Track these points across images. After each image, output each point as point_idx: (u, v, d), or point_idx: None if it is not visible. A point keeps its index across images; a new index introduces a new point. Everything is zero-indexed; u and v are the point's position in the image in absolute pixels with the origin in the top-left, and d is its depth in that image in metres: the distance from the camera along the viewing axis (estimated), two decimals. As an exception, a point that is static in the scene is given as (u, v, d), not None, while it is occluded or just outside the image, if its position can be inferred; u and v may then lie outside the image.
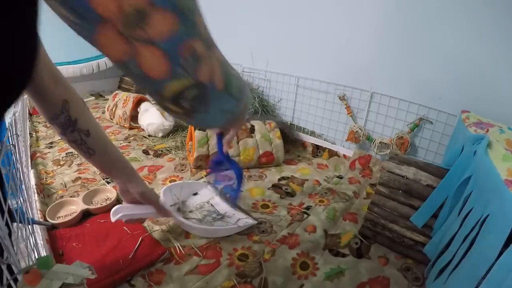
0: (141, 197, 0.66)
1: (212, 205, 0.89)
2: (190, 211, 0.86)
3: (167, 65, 0.26)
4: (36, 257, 0.46)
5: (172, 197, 0.87)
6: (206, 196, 0.92)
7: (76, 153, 1.22)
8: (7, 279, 0.26)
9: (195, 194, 0.93)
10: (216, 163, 0.70)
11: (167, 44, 0.25)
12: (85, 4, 0.22)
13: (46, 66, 0.48)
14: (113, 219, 0.67)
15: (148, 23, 0.23)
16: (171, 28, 0.24)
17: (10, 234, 0.34)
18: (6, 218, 0.32)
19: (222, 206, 0.88)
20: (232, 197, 0.69)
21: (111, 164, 0.61)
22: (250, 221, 0.81)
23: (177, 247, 0.74)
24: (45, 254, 0.63)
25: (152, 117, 1.37)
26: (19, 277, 0.28)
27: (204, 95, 0.30)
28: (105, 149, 0.58)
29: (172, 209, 0.84)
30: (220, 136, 0.62)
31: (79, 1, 0.22)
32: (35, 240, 0.61)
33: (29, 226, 0.55)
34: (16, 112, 0.76)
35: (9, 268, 0.28)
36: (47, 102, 0.50)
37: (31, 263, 0.37)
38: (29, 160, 1.13)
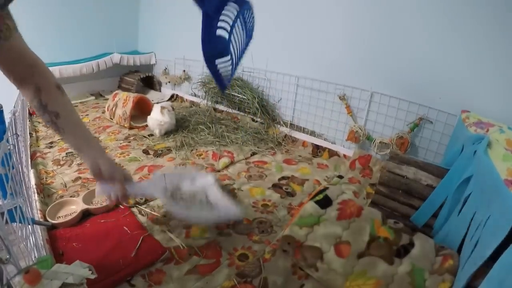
0: (107, 174, 0.69)
1: (206, 195, 0.88)
2: (181, 198, 0.85)
3: None
4: (36, 257, 0.46)
5: (166, 184, 0.86)
6: (202, 185, 0.91)
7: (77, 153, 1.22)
8: (7, 279, 0.26)
9: (192, 181, 0.92)
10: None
11: None
12: None
13: (21, 58, 0.58)
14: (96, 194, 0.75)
15: None
16: None
17: None
18: (6, 218, 0.32)
19: (216, 197, 0.88)
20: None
21: (81, 141, 0.68)
22: (238, 215, 0.80)
23: (180, 245, 0.74)
24: (45, 254, 0.63)
25: (153, 113, 1.40)
26: (19, 277, 0.28)
27: None
28: (74, 128, 0.66)
29: (165, 194, 0.83)
30: None
31: None
32: (35, 240, 0.61)
33: (29, 226, 0.55)
34: (16, 112, 0.76)
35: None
36: (26, 89, 0.61)
37: (31, 263, 0.37)
38: (29, 160, 1.13)
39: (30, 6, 1.68)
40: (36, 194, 0.87)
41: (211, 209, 0.83)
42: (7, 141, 0.41)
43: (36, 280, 0.26)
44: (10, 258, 0.26)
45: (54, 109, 0.62)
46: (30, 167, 1.06)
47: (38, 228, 0.73)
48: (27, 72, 0.60)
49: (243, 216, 0.82)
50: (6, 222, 0.32)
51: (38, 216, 0.79)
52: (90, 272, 0.28)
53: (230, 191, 0.93)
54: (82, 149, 0.68)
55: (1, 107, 0.53)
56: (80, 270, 0.28)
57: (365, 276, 0.60)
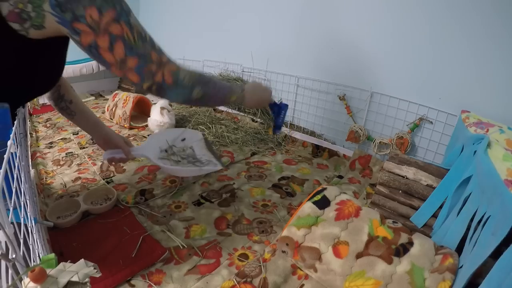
0: (110, 142, 0.86)
1: (193, 150, 1.01)
2: (173, 153, 0.97)
3: (138, 78, 0.58)
4: (40, 256, 0.46)
5: (161, 142, 0.98)
6: (191, 142, 1.03)
7: (76, 153, 1.22)
8: (12, 278, 0.26)
9: (183, 139, 1.03)
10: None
11: (137, 69, 0.57)
12: (101, 58, 0.55)
13: None
14: (104, 159, 0.87)
15: (126, 63, 0.56)
16: (136, 63, 0.57)
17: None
18: (11, 217, 0.32)
19: (201, 152, 1.01)
20: (278, 124, 1.05)
21: (89, 122, 0.87)
22: (217, 167, 0.93)
23: (180, 245, 0.75)
24: (47, 254, 0.63)
25: (153, 114, 1.42)
26: (25, 276, 0.28)
27: (161, 87, 0.61)
28: (83, 112, 0.86)
29: (159, 151, 0.96)
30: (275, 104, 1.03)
31: (98, 56, 0.55)
32: (36, 240, 0.61)
33: (33, 225, 0.55)
34: (20, 112, 0.76)
35: (14, 266, 0.28)
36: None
37: (35, 262, 0.37)
38: (29, 160, 1.13)
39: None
40: (36, 194, 0.87)
41: (195, 164, 0.94)
42: (13, 140, 0.42)
43: (42, 278, 0.26)
44: (16, 257, 0.26)
45: (68, 98, 0.83)
46: (30, 167, 1.06)
47: (40, 228, 0.73)
48: None
49: (222, 167, 0.95)
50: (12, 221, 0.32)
51: (38, 216, 0.79)
52: (95, 270, 0.28)
53: (213, 146, 1.07)
54: (92, 128, 0.87)
55: (8, 107, 0.53)
56: (85, 269, 0.28)
57: (364, 276, 0.60)
